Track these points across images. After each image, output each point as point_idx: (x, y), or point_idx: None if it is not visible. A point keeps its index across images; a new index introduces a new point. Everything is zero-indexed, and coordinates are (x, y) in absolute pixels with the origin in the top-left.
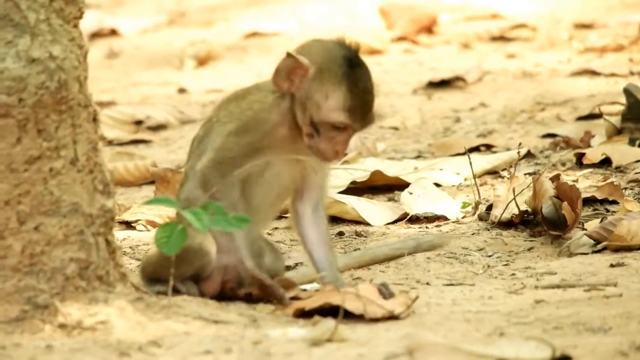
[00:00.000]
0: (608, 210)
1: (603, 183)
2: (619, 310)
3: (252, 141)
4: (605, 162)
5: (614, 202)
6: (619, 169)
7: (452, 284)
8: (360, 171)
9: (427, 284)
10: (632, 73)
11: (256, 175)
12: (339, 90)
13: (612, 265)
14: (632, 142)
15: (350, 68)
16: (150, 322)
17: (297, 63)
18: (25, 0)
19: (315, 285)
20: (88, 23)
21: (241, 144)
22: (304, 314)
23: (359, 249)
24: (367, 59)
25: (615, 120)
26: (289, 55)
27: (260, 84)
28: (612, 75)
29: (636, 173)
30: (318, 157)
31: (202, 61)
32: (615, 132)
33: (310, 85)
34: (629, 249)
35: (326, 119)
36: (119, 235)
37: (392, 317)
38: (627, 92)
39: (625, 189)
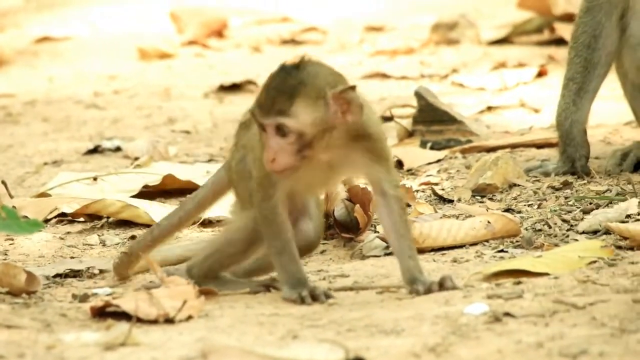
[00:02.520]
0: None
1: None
2: (412, 312)
3: None
4: (397, 165)
5: (406, 205)
6: (411, 172)
7: None
8: (152, 175)
9: None
10: (422, 76)
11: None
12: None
13: None
14: (423, 145)
15: (275, 71)
16: None
17: None
18: None
19: (106, 290)
20: None
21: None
22: (101, 315)
23: None
24: (158, 64)
25: (407, 122)
26: None
27: None
28: (403, 78)
29: (427, 175)
30: None
31: None
32: (407, 135)
33: None
34: (421, 251)
35: None
36: None
37: (167, 319)
38: (418, 94)
39: (417, 191)
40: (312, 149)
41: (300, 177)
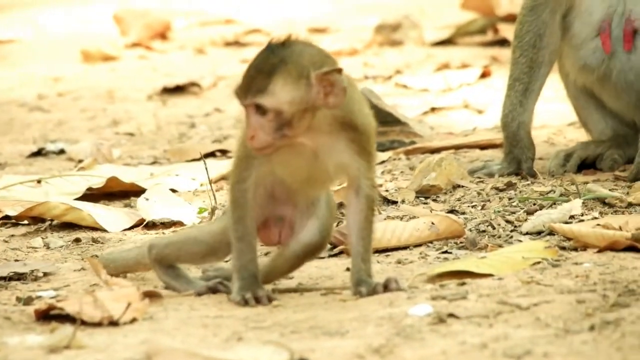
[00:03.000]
0: (344, 215)
1: (339, 187)
2: (356, 313)
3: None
4: None
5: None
6: None
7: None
8: (96, 177)
9: (166, 288)
10: (366, 77)
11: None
12: None
13: (348, 269)
14: None
15: (261, 49)
16: None
17: None
18: None
19: (51, 293)
20: None
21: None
22: (45, 317)
23: (96, 255)
24: (101, 66)
25: None
26: None
27: None
28: None
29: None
30: None
31: None
32: None
33: None
34: None
35: None
36: None
37: (112, 322)
38: None
39: None
40: (292, 129)
41: (284, 162)
